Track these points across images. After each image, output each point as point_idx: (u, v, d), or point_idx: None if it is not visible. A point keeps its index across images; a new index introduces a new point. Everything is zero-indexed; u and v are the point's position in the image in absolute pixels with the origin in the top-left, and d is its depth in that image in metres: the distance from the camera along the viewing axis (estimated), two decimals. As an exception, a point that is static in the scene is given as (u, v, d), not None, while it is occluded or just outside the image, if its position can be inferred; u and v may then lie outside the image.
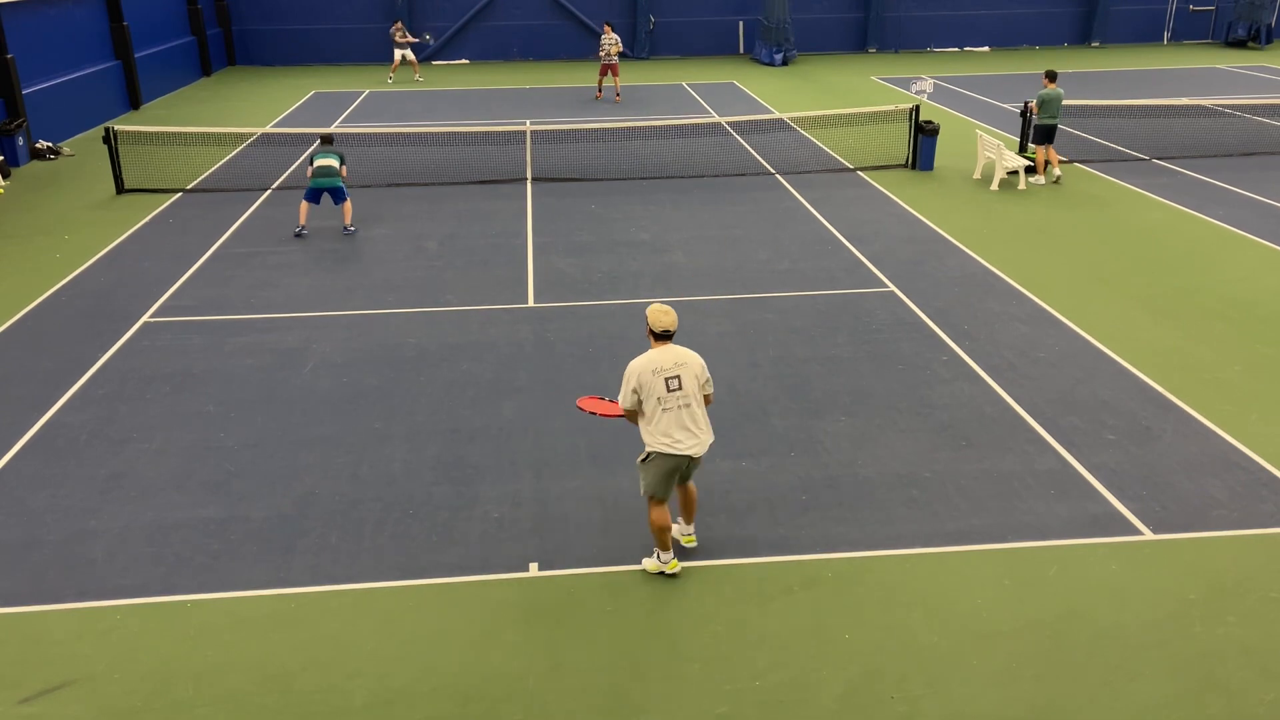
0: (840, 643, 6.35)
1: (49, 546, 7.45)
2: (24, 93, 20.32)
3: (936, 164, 18.43)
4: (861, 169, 18.37)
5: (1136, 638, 6.34)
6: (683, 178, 17.88)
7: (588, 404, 7.16)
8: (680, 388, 6.57)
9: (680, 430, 6.57)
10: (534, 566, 7.14)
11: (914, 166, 18.35)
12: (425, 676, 6.13)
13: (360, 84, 30.02)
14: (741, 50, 35.43)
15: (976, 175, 17.75)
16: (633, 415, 6.74)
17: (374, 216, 15.78)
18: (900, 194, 16.69)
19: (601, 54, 25.62)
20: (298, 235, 14.65)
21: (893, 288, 12.37)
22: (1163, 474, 8.15)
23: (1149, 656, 6.17)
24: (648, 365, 6.58)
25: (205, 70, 31.42)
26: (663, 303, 6.99)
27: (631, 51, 34.73)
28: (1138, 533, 7.41)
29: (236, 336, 11.18)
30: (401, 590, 6.92)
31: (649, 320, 6.69)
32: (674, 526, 7.22)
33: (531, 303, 12.11)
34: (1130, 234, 14.36)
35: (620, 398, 6.73)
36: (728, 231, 14.76)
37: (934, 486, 8.03)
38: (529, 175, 18.17)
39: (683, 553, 7.20)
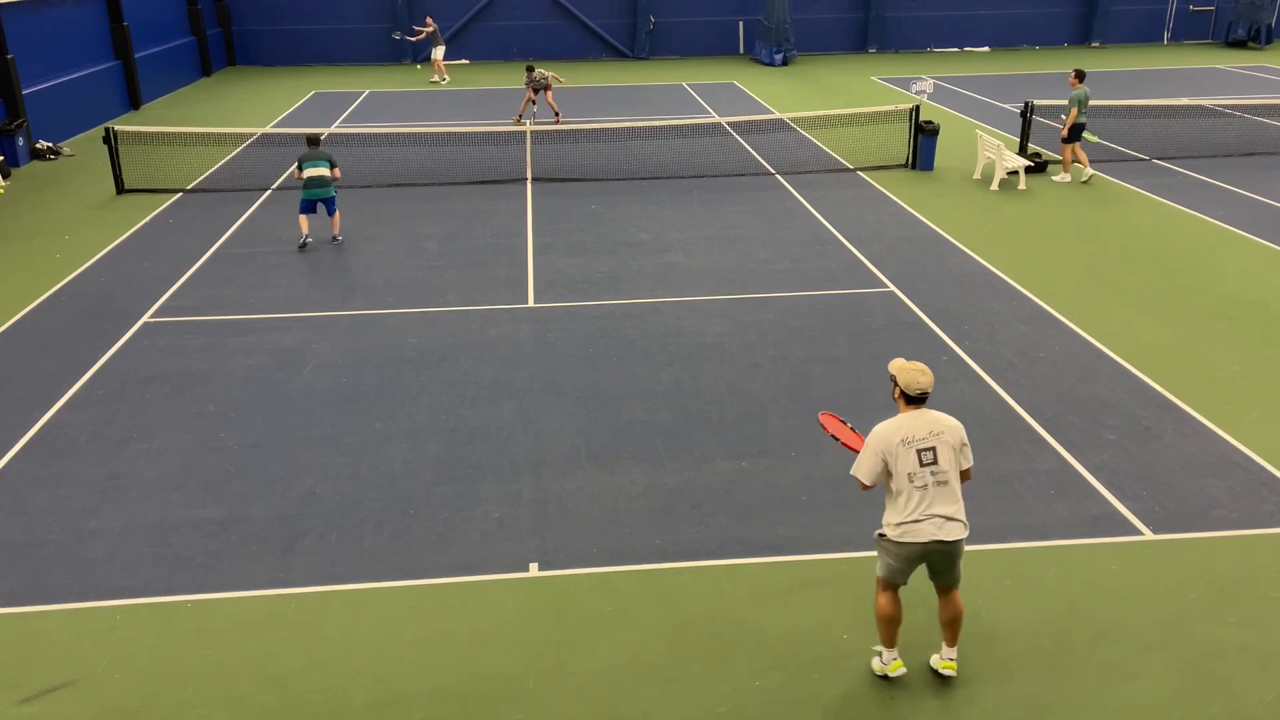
0: (840, 643, 6.35)
1: (49, 546, 7.45)
2: (24, 93, 20.33)
3: (936, 164, 18.43)
4: (861, 169, 18.37)
5: (1136, 638, 6.33)
6: (683, 178, 17.88)
7: (831, 424, 6.13)
8: (935, 461, 5.55)
9: (927, 512, 5.53)
10: (534, 566, 7.14)
11: (914, 166, 18.35)
12: (425, 677, 6.13)
13: (360, 84, 30.02)
14: (741, 50, 35.44)
15: (976, 175, 17.75)
16: (865, 490, 5.77)
17: (374, 216, 15.78)
18: (900, 194, 16.69)
19: (527, 85, 23.12)
20: (302, 247, 14.23)
21: (893, 288, 12.37)
22: (1163, 474, 8.15)
23: (1149, 656, 6.17)
24: (896, 433, 5.59)
25: (205, 70, 31.43)
26: (909, 362, 5.79)
27: (631, 51, 34.75)
28: (1138, 533, 7.41)
29: (236, 336, 11.18)
30: (401, 590, 6.92)
31: (899, 379, 5.66)
32: (945, 654, 5.99)
33: (531, 303, 12.11)
34: (1130, 234, 14.37)
35: (857, 467, 5.68)
36: (728, 231, 14.76)
37: (934, 486, 8.02)
38: (529, 175, 18.18)
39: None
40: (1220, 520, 7.54)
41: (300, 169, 14.21)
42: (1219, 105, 22.82)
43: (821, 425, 6.26)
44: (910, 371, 5.65)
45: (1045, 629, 6.43)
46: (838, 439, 6.10)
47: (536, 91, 23.33)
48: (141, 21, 26.55)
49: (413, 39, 30.61)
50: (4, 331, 11.46)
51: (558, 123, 22.89)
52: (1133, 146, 19.53)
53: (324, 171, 14.16)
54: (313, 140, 14.54)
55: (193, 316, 11.81)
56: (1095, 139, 18.22)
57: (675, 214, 15.71)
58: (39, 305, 12.25)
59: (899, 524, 5.60)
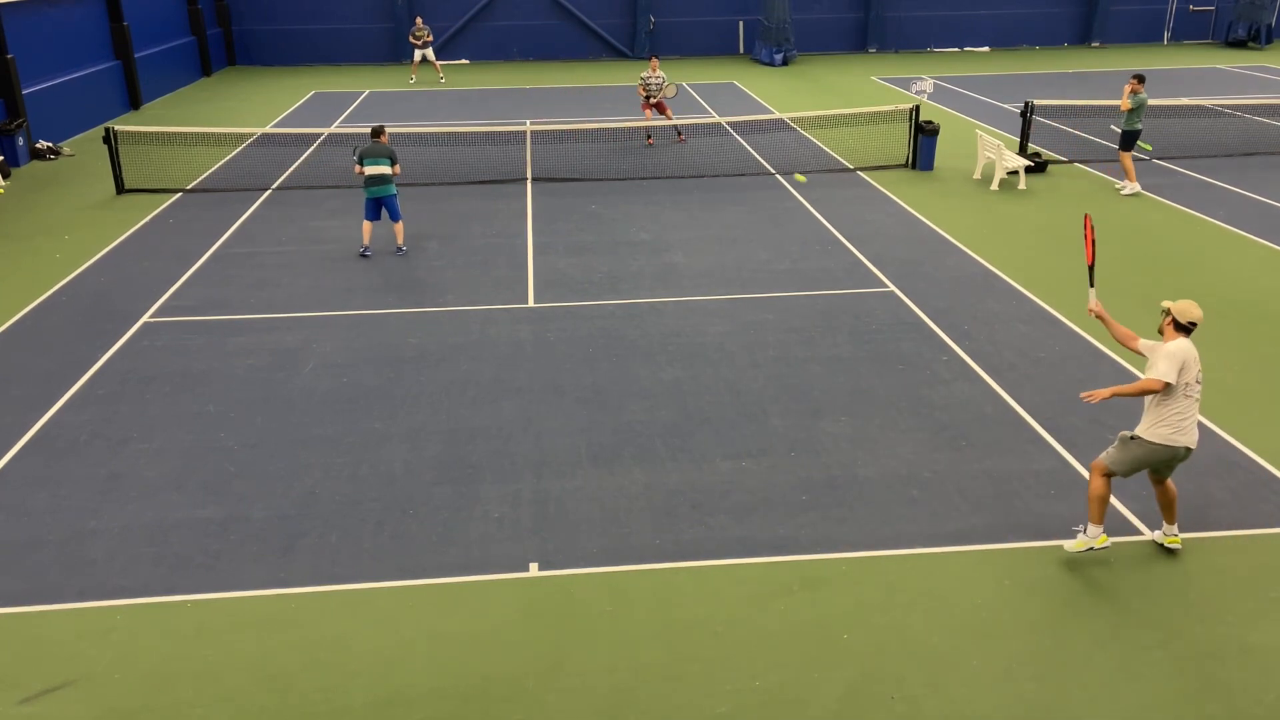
0: (840, 643, 6.35)
1: (49, 546, 7.45)
2: (24, 93, 20.32)
3: (936, 164, 18.43)
4: (861, 169, 18.37)
5: (1136, 638, 6.34)
6: (683, 178, 17.88)
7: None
8: (1199, 381, 6.66)
9: (1190, 424, 6.65)
10: (534, 566, 7.14)
11: (914, 166, 18.35)
12: (425, 677, 6.13)
13: (360, 84, 30.02)
14: (741, 50, 35.44)
15: (976, 175, 17.75)
16: (1152, 389, 6.59)
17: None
18: (900, 194, 16.69)
19: (643, 92, 20.40)
20: (363, 255, 13.84)
21: (893, 288, 12.37)
22: (1163, 474, 8.14)
23: (1149, 657, 6.17)
24: (1193, 351, 6.62)
25: (205, 70, 31.43)
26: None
27: (631, 51, 34.74)
28: (1138, 533, 7.41)
29: (236, 336, 11.18)
30: (401, 590, 6.92)
31: (1176, 312, 6.69)
32: (1158, 533, 7.25)
33: (531, 303, 12.11)
34: (1130, 234, 14.37)
35: (1164, 372, 6.53)
36: (728, 231, 14.76)
37: (934, 486, 8.03)
38: (529, 175, 18.18)
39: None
40: (1220, 520, 7.54)
41: (360, 164, 13.59)
42: (1219, 105, 22.82)
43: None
44: (1184, 304, 6.70)
45: (1045, 629, 6.44)
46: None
47: (652, 103, 20.34)
48: (141, 21, 26.54)
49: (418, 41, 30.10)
50: (4, 331, 11.46)
51: (681, 140, 20.73)
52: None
53: (384, 169, 13.51)
54: (377, 131, 13.77)
55: (193, 316, 11.81)
56: (1150, 148, 17.81)
57: (675, 214, 15.71)
58: (39, 305, 12.25)
59: (1173, 429, 6.63)
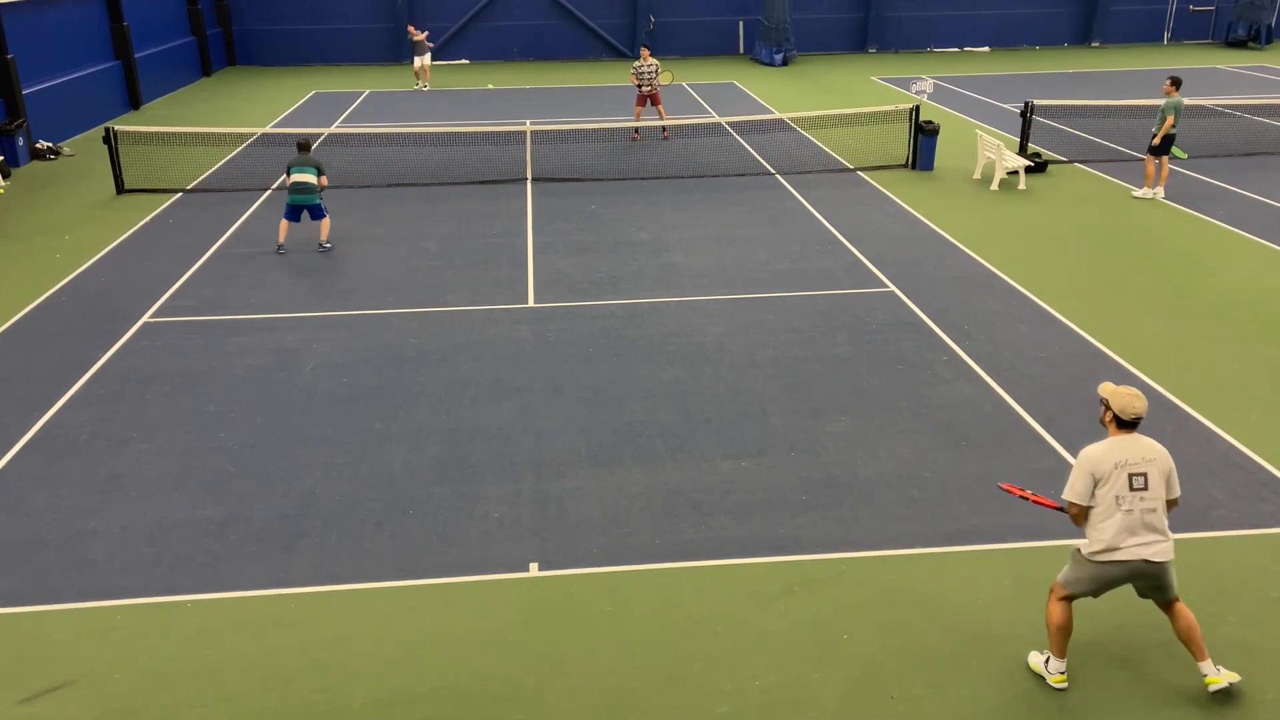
0: (840, 643, 6.35)
1: (49, 546, 7.45)
2: (24, 93, 20.33)
3: (936, 164, 18.43)
4: (861, 169, 18.37)
5: (1136, 638, 6.33)
6: (683, 178, 17.89)
7: (1015, 490, 6.30)
8: (1145, 487, 5.55)
9: (1132, 536, 5.55)
10: (534, 566, 7.14)
11: (914, 166, 18.35)
12: (425, 677, 6.13)
13: (360, 84, 30.02)
14: (741, 50, 35.45)
15: (976, 175, 17.75)
16: (1079, 514, 5.68)
17: (374, 216, 15.77)
18: (900, 194, 16.69)
19: (636, 81, 20.74)
20: (279, 252, 13.98)
21: (893, 288, 12.37)
22: (1163, 474, 8.14)
23: (1149, 657, 6.17)
24: (1110, 455, 5.57)
25: (205, 70, 31.43)
26: (1127, 388, 5.73)
27: (631, 51, 34.74)
28: (1138, 533, 7.40)
29: (236, 336, 11.18)
30: (401, 590, 6.92)
31: (1113, 403, 5.64)
32: (1203, 670, 5.81)
33: (531, 303, 12.11)
34: (1130, 234, 14.37)
35: (1069, 490, 5.66)
36: (728, 231, 14.76)
37: (934, 486, 8.03)
38: (529, 175, 18.18)
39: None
40: (1220, 520, 7.54)
41: (288, 174, 14.05)
42: (1219, 105, 22.82)
43: (1007, 491, 6.40)
44: (1125, 396, 5.64)
45: (1045, 629, 6.42)
46: (1027, 498, 6.23)
47: (644, 93, 20.71)
48: (141, 21, 26.55)
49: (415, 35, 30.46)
50: (4, 331, 11.46)
51: (665, 137, 20.94)
52: (1132, 146, 19.51)
53: (310, 178, 13.85)
54: (303, 145, 14.26)
55: (193, 316, 11.81)
56: (1185, 156, 17.69)
57: (675, 214, 15.71)
58: (39, 305, 12.25)
59: (1108, 544, 5.59)
